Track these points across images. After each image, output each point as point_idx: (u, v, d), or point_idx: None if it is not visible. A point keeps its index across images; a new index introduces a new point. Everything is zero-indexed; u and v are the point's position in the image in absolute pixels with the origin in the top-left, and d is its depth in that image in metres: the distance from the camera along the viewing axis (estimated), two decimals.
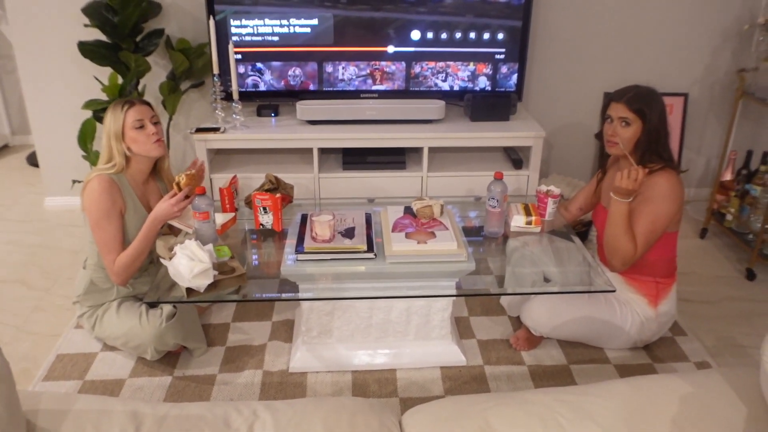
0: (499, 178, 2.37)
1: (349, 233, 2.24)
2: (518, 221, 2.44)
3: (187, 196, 2.21)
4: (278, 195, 2.42)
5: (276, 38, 3.09)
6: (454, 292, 2.29)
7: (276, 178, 2.62)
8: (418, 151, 3.14)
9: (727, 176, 3.35)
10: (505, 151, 3.33)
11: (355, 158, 3.13)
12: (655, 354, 2.52)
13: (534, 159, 3.10)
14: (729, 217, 3.31)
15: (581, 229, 3.26)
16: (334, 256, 2.15)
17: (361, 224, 2.31)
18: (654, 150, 2.26)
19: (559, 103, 3.59)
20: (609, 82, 3.52)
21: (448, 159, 3.26)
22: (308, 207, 2.74)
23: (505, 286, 2.64)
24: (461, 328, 2.63)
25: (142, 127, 2.21)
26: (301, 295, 2.19)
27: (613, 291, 2.18)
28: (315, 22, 3.06)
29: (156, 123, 2.27)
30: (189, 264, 1.96)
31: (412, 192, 3.13)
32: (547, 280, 2.69)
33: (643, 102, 2.23)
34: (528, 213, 2.45)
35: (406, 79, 3.19)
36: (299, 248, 2.16)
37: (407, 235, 2.22)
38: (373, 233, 2.27)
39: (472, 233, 2.52)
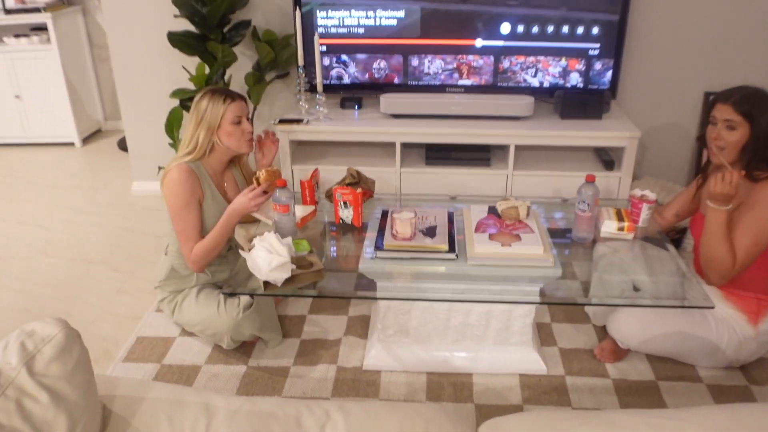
0: (591, 180, 2.25)
1: (430, 232, 2.18)
2: (609, 227, 2.31)
3: (265, 192, 2.19)
4: (359, 190, 2.39)
5: (362, 30, 3.05)
6: (537, 298, 2.19)
7: (357, 172, 2.58)
8: (504, 148, 3.04)
9: None
10: (596, 152, 3.18)
11: (438, 153, 3.06)
12: (752, 375, 2.34)
13: (627, 161, 2.95)
14: None
15: (675, 236, 3.08)
16: (414, 255, 2.10)
17: (443, 223, 2.24)
18: (762, 157, 2.09)
19: (656, 102, 3.40)
20: (710, 82, 3.30)
21: (535, 158, 3.15)
22: (389, 202, 2.69)
23: (590, 295, 2.53)
24: (543, 335, 2.53)
25: (239, 122, 2.23)
26: (378, 293, 2.15)
27: (712, 308, 2.03)
28: (401, 14, 3.00)
29: (249, 120, 2.29)
30: (267, 257, 1.94)
31: (496, 190, 3.04)
32: (636, 289, 2.55)
33: (752, 104, 2.06)
34: (620, 218, 2.32)
35: (493, 74, 3.09)
36: (379, 245, 2.11)
37: (491, 237, 2.14)
38: (455, 233, 2.20)
39: (558, 236, 2.41)
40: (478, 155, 3.03)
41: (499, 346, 2.34)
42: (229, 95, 2.23)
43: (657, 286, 2.49)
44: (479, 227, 2.20)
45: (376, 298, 2.37)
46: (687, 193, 2.46)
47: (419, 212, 2.30)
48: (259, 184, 2.21)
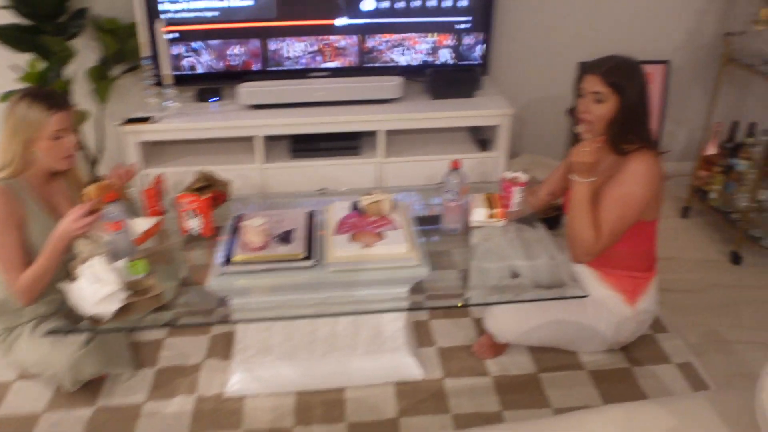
0: (456, 167, 2.10)
1: (286, 237, 1.98)
2: (479, 215, 2.18)
3: (95, 210, 1.92)
4: (209, 194, 2.16)
5: (214, 14, 2.77)
6: (405, 302, 2.04)
7: (208, 174, 2.34)
8: (375, 134, 2.85)
9: (711, 150, 3.10)
10: (471, 132, 3.06)
11: (305, 145, 2.85)
12: (633, 355, 2.30)
13: (502, 140, 2.83)
14: (713, 194, 3.06)
15: (553, 214, 3.01)
16: (267, 266, 1.90)
17: (301, 226, 2.05)
18: (630, 130, 2.00)
19: (531, 75, 3.30)
20: (584, 51, 3.21)
21: (408, 142, 2.99)
22: (250, 203, 2.47)
23: (469, 284, 2.42)
24: (420, 333, 2.39)
25: (60, 137, 1.95)
26: (232, 313, 1.94)
27: (584, 296, 1.94)
28: None
29: (74, 131, 2.00)
30: (92, 288, 1.69)
31: (368, 180, 2.86)
32: (515, 276, 2.46)
33: (621, 75, 1.96)
34: (491, 205, 2.19)
35: (359, 55, 2.89)
36: (227, 258, 1.90)
37: (353, 237, 1.97)
38: (316, 236, 2.01)
39: (436, 223, 2.26)
40: (347, 144, 2.84)
41: (372, 355, 2.19)
42: (54, 104, 1.94)
43: (536, 271, 2.40)
44: (341, 227, 2.03)
45: (223, 322, 2.15)
46: (559, 171, 2.36)
47: (275, 215, 2.10)
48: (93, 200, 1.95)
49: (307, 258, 1.90)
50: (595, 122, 2.00)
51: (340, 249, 1.92)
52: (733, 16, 3.25)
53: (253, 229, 1.90)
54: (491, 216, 2.17)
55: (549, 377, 2.20)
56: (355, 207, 2.13)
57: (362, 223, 2.04)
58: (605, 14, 3.23)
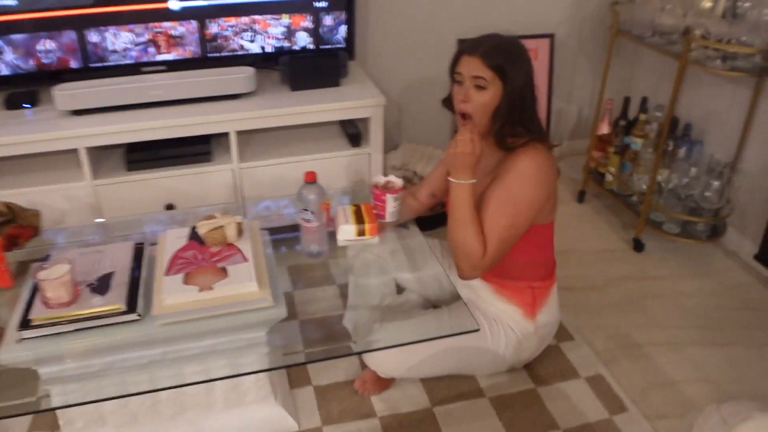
0: (311, 180, 1.71)
1: (102, 285, 1.55)
2: (347, 233, 1.80)
3: None
4: (4, 232, 1.69)
5: (9, 2, 2.24)
6: (263, 347, 1.65)
7: (10, 205, 1.85)
8: (228, 135, 2.41)
9: (604, 129, 2.86)
10: (342, 125, 2.67)
11: (142, 154, 2.37)
12: (537, 373, 2.01)
13: (374, 133, 2.46)
14: (609, 177, 2.83)
15: (441, 211, 2.69)
16: (77, 325, 1.46)
17: (123, 266, 1.62)
18: (518, 121, 1.68)
19: (406, 56, 2.94)
20: (463, 26, 2.90)
21: (268, 142, 2.57)
22: (70, 236, 2.00)
23: (349, 305, 2.08)
24: (293, 374, 2.01)
25: None
26: (42, 390, 1.49)
27: (476, 330, 1.62)
28: None
29: None
30: None
31: (226, 191, 2.43)
32: (401, 290, 2.12)
33: (506, 57, 1.63)
34: (360, 219, 1.82)
35: (200, 44, 2.44)
36: (24, 321, 1.45)
37: (187, 277, 1.55)
38: (142, 278, 1.59)
39: None
40: (195, 149, 2.39)
41: (232, 410, 1.78)
42: None
43: (422, 285, 2.08)
44: (173, 264, 1.60)
45: (27, 413, 1.68)
46: (440, 169, 2.03)
47: (92, 253, 1.65)
48: None
49: (129, 311, 1.48)
50: (476, 113, 1.67)
51: (169, 295, 1.50)
52: None
53: (53, 282, 1.45)
54: (360, 233, 1.80)
55: (445, 411, 1.88)
56: (195, 235, 1.71)
57: (200, 257, 1.63)
58: None
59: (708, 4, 2.35)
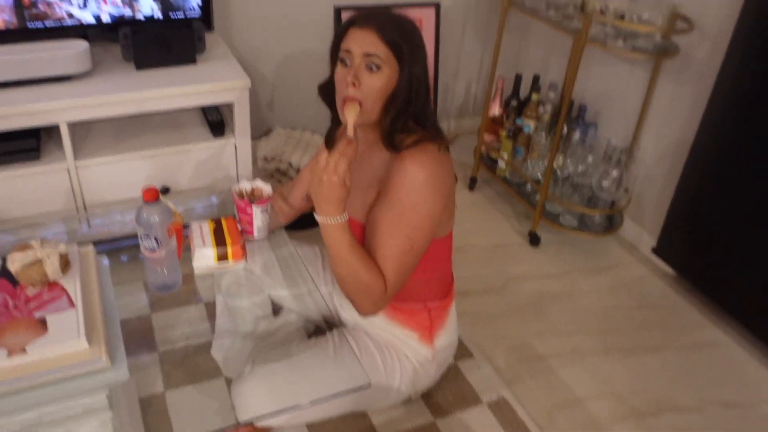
0: (150, 199, 1.32)
1: None
2: (205, 258, 1.46)
3: None
4: None
5: None
6: (106, 412, 1.28)
7: None
8: (59, 128, 1.94)
9: (495, 110, 2.63)
10: (201, 111, 2.27)
11: None
12: (436, 402, 1.77)
13: (240, 120, 2.08)
14: (501, 164, 2.62)
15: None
16: None
17: None
18: (411, 112, 1.38)
19: (277, 26, 2.55)
20: None
21: (110, 133, 2.12)
22: None
23: (217, 332, 1.76)
24: (151, 416, 1.65)
25: None
26: None
27: (367, 386, 1.33)
28: None
29: None
30: None
31: (62, 196, 1.98)
32: (276, 310, 1.81)
33: (402, 34, 1.32)
34: (221, 239, 1.47)
35: (17, 13, 1.94)
36: None
37: None
38: None
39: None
40: (17, 146, 1.91)
41: None
42: None
43: (301, 302, 1.78)
44: None
45: None
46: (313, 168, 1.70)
47: None
48: None
49: None
50: (368, 99, 1.34)
51: None
52: None
53: None
54: (222, 257, 1.45)
55: None
56: (5, 273, 1.31)
57: (11, 303, 1.24)
58: None
59: None
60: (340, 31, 1.37)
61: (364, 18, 1.33)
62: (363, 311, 1.42)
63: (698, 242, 2.17)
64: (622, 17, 2.10)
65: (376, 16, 1.34)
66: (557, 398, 1.83)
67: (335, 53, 1.39)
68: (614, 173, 2.26)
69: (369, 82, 1.32)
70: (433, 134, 1.40)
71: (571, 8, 2.32)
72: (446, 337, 1.66)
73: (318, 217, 1.29)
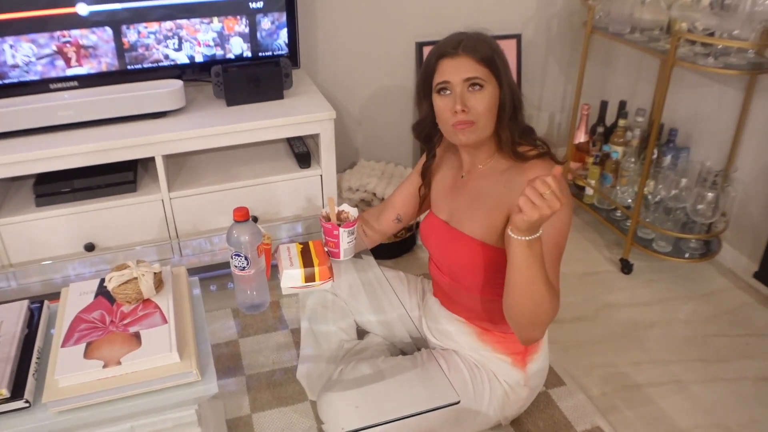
0: (242, 219, 1.37)
1: None
2: (292, 279, 1.48)
3: None
4: None
5: None
6: (195, 427, 1.31)
7: None
8: (154, 161, 2.06)
9: (581, 137, 2.59)
10: (288, 144, 2.35)
11: (53, 186, 2.00)
12: (527, 429, 1.71)
13: (325, 152, 2.14)
14: (589, 190, 2.56)
15: (406, 236, 2.38)
16: None
17: (11, 334, 1.27)
18: (521, 122, 1.43)
19: (360, 62, 2.63)
20: (421, 29, 2.60)
21: (202, 166, 2.22)
22: None
23: (301, 356, 1.78)
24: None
25: None
26: None
27: (456, 403, 1.30)
28: None
29: None
30: None
31: (156, 225, 2.08)
32: (362, 334, 1.82)
33: (490, 48, 1.37)
34: (308, 260, 1.50)
35: (117, 54, 2.09)
36: None
37: (90, 348, 1.22)
38: (35, 350, 1.25)
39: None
40: (116, 178, 2.03)
41: None
42: None
43: (388, 328, 1.77)
44: (73, 330, 1.27)
45: None
46: (407, 190, 1.73)
47: None
48: None
49: (14, 397, 1.15)
50: (481, 119, 1.36)
51: (64, 375, 1.16)
52: None
53: None
54: (309, 278, 1.48)
55: None
56: (103, 291, 1.38)
57: (108, 319, 1.29)
58: None
59: None
60: (430, 66, 1.41)
61: (453, 46, 1.37)
62: (533, 338, 1.41)
63: None
64: (711, 35, 2.04)
65: (462, 42, 1.37)
66: (658, 429, 1.73)
67: (426, 89, 1.43)
68: (709, 196, 2.16)
69: (476, 104, 1.36)
70: (545, 148, 1.42)
71: (657, 30, 2.27)
72: (539, 361, 1.61)
73: (514, 236, 1.24)
